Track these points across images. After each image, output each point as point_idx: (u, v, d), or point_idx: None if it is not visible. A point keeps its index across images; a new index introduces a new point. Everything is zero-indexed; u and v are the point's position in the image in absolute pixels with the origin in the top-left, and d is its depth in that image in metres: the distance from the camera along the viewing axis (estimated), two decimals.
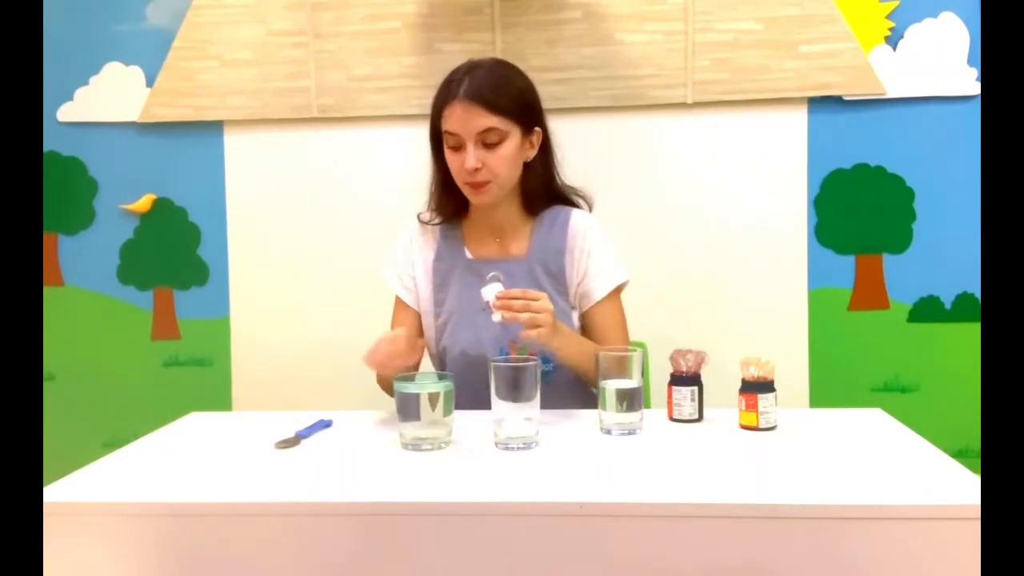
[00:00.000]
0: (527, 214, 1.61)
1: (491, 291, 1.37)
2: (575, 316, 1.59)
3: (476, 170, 1.48)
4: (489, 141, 1.49)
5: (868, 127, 2.12)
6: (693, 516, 1.00)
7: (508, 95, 1.51)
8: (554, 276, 1.57)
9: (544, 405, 1.51)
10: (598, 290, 1.58)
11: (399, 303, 1.65)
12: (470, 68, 1.53)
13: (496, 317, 1.36)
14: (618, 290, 1.60)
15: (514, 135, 1.51)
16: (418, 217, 1.65)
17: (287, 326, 2.28)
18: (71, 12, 2.23)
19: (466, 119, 1.48)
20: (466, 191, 1.53)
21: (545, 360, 1.52)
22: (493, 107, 1.48)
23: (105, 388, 2.32)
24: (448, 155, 1.52)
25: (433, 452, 1.23)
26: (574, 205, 1.64)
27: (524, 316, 1.35)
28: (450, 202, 1.60)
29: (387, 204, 2.24)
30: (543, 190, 1.60)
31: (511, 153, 1.52)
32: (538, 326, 1.36)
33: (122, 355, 2.31)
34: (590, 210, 1.66)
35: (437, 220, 1.62)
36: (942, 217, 2.12)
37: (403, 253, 1.64)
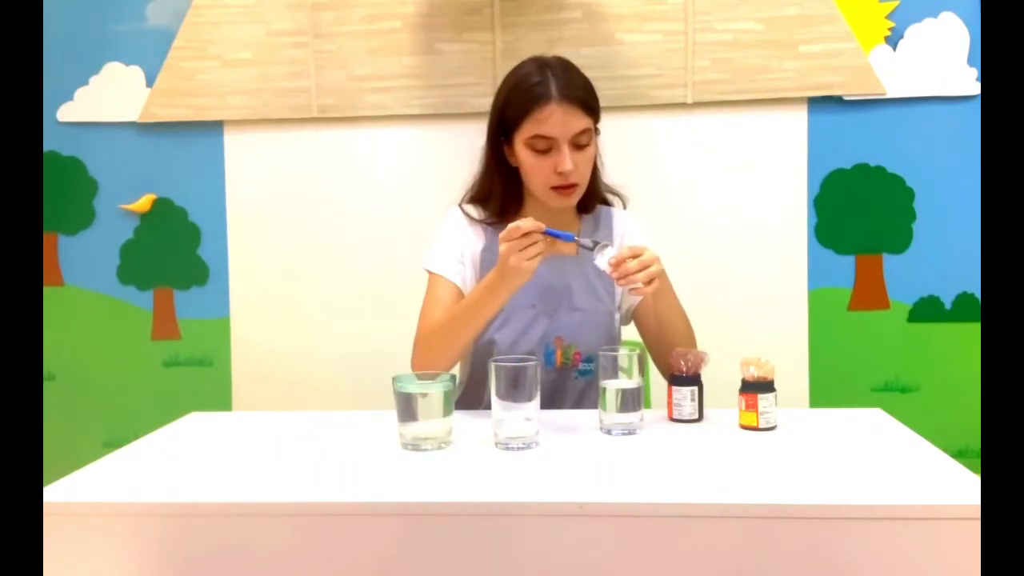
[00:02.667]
0: (577, 212, 1.60)
1: (604, 259, 1.36)
2: (617, 319, 1.60)
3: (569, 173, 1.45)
4: (581, 143, 1.47)
5: (868, 127, 2.12)
6: (693, 516, 1.00)
7: (594, 94, 1.49)
8: (602, 276, 1.56)
9: (583, 404, 1.54)
10: None
11: (446, 288, 1.53)
12: (543, 66, 1.48)
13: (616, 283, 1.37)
14: None
15: (594, 135, 1.50)
16: (462, 209, 1.59)
17: (287, 326, 2.28)
18: (71, 12, 2.23)
19: (565, 121, 1.44)
20: (549, 195, 1.49)
21: (589, 359, 1.53)
22: (587, 107, 1.46)
23: (105, 388, 2.32)
24: (531, 157, 1.47)
25: (433, 452, 1.23)
26: (610, 204, 1.65)
27: (641, 275, 1.33)
28: (513, 202, 1.56)
29: (387, 204, 2.24)
30: (594, 188, 1.59)
31: (594, 153, 1.51)
32: (652, 280, 1.34)
33: (122, 355, 2.31)
34: (625, 207, 1.66)
35: (491, 220, 1.57)
36: (942, 217, 2.12)
37: (453, 239, 1.56)
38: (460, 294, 1.53)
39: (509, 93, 1.51)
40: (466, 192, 1.62)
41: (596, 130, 1.52)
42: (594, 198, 1.61)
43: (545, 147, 1.46)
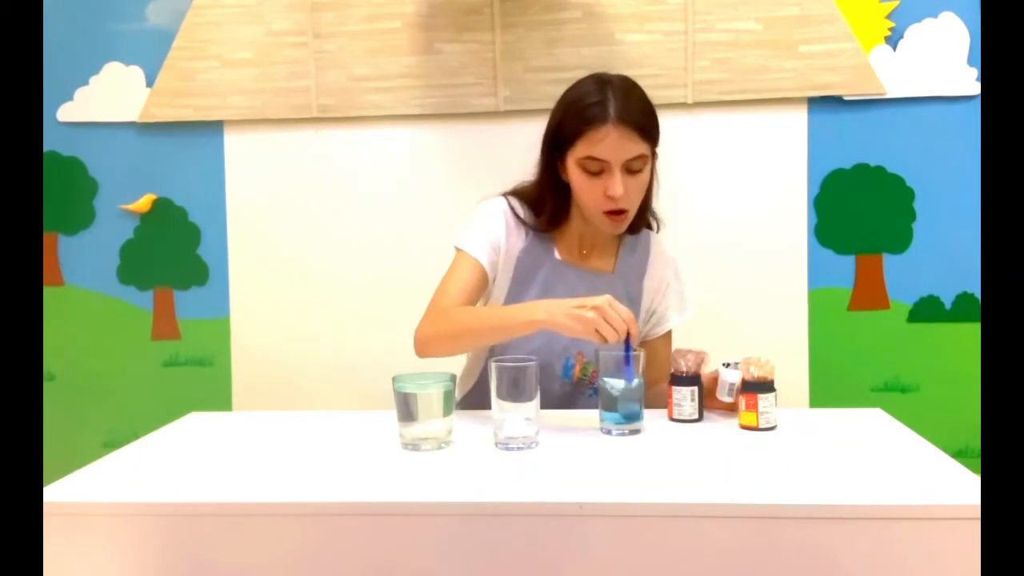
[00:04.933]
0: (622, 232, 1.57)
1: (736, 375, 1.35)
2: None
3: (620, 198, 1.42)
4: (634, 168, 1.43)
5: (868, 127, 2.12)
6: (693, 516, 1.00)
7: (654, 118, 1.45)
8: (631, 299, 1.56)
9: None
10: (672, 321, 1.61)
11: (473, 267, 1.50)
12: (603, 85, 1.44)
13: (727, 399, 1.35)
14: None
15: (650, 160, 1.47)
16: (509, 203, 1.55)
17: (287, 326, 2.28)
18: (71, 12, 2.23)
19: (619, 145, 1.40)
20: (600, 219, 1.46)
21: None
22: (644, 132, 1.42)
23: (105, 388, 2.32)
24: (582, 178, 1.44)
25: (433, 452, 1.23)
26: (651, 228, 1.63)
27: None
28: (562, 215, 1.54)
29: (387, 204, 2.24)
30: (643, 211, 1.56)
31: (648, 179, 1.48)
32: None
33: (122, 355, 2.31)
34: (658, 230, 1.64)
35: (543, 228, 1.54)
36: (942, 217, 2.12)
37: (495, 229, 1.53)
38: (484, 280, 1.51)
39: (566, 110, 1.47)
40: (515, 187, 1.58)
41: (654, 154, 1.48)
42: (642, 221, 1.58)
43: (597, 169, 1.42)
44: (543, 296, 1.50)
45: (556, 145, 1.48)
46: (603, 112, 1.41)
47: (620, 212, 1.45)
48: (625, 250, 1.59)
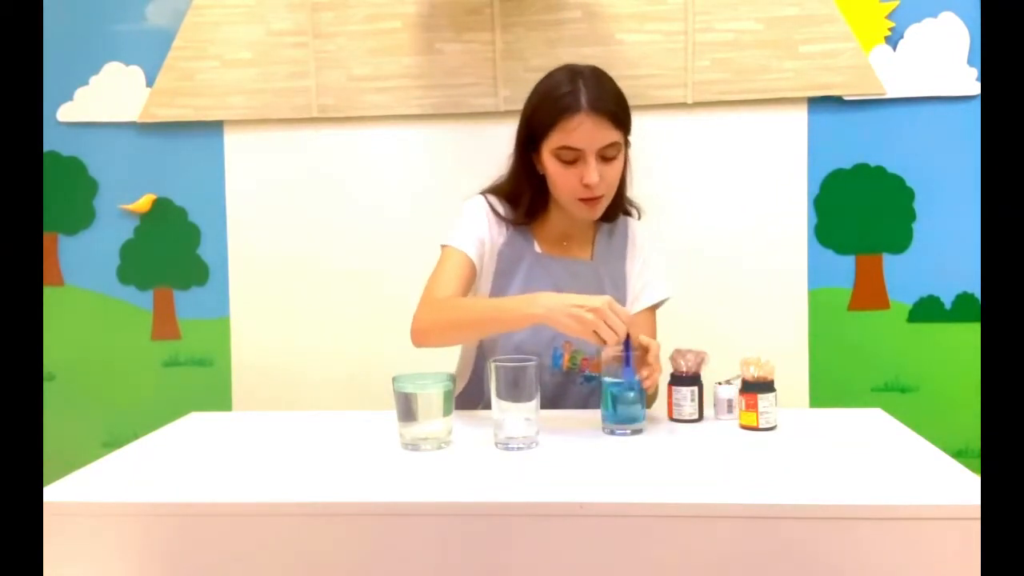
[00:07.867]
0: (596, 220, 1.57)
1: (731, 389, 1.36)
2: None
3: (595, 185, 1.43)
4: (608, 155, 1.44)
5: (868, 127, 2.12)
6: (693, 516, 1.00)
7: (625, 106, 1.47)
8: (615, 284, 1.56)
9: (586, 408, 1.53)
10: (658, 288, 1.60)
11: (462, 261, 1.50)
12: (574, 75, 1.45)
13: (728, 415, 1.37)
14: (658, 304, 1.61)
15: (623, 147, 1.48)
16: (488, 201, 1.57)
17: (287, 326, 2.28)
18: (71, 12, 2.23)
19: (593, 133, 1.41)
20: (576, 206, 1.48)
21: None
22: (616, 120, 1.43)
23: (105, 388, 2.32)
24: (557, 168, 1.45)
25: (433, 452, 1.23)
26: (629, 214, 1.64)
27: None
28: (539, 208, 1.55)
29: (387, 204, 2.24)
30: (619, 200, 1.57)
31: (622, 165, 1.49)
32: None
33: (122, 355, 2.31)
34: (639, 218, 1.65)
35: (520, 221, 1.55)
36: (942, 217, 2.12)
37: (479, 225, 1.54)
38: (474, 273, 1.51)
39: (539, 102, 1.48)
40: (492, 185, 1.60)
41: (627, 142, 1.50)
42: (618, 209, 1.59)
43: (572, 158, 1.43)
44: (526, 288, 1.50)
45: (530, 138, 1.50)
46: (576, 101, 1.42)
47: (595, 198, 1.47)
48: (601, 237, 1.60)
